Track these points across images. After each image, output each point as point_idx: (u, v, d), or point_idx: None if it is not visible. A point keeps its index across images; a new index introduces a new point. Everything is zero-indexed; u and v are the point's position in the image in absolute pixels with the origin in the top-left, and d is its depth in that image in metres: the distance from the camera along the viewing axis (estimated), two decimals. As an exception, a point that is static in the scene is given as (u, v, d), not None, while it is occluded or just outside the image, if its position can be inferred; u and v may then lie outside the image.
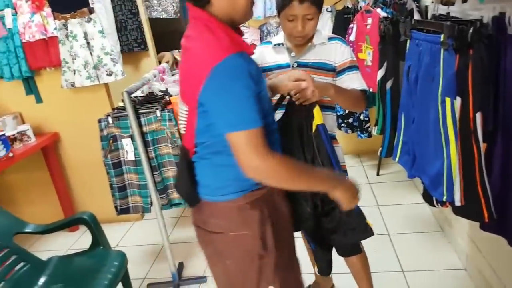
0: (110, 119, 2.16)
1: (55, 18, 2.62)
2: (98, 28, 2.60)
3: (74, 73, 2.67)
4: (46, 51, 2.72)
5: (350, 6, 3.07)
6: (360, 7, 2.85)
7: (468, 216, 1.48)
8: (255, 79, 1.02)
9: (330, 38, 1.50)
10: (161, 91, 2.36)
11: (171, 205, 2.25)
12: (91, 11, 2.59)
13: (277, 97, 1.41)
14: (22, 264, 1.95)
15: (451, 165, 1.39)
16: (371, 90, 2.54)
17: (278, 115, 1.42)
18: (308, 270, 1.94)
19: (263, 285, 1.18)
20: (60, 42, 2.65)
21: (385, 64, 2.30)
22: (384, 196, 2.99)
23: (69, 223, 2.18)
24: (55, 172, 3.02)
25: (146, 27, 3.25)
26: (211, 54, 0.99)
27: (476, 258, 1.99)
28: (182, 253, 2.63)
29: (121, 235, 3.00)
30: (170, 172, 2.18)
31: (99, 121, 2.18)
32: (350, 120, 3.30)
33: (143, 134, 2.11)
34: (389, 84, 2.28)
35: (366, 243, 1.65)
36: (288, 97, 1.36)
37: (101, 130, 2.18)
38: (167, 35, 3.21)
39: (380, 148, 2.34)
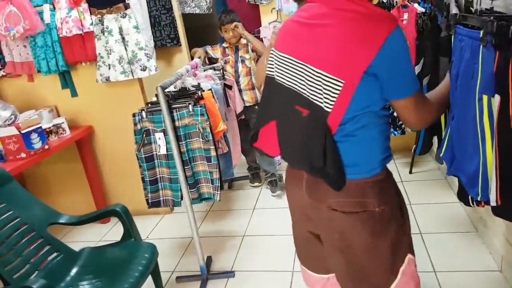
0: (144, 114, 2.19)
1: (91, 14, 2.68)
2: (133, 23, 2.64)
3: (109, 68, 2.72)
4: (82, 46, 2.78)
5: (385, 1, 3.00)
6: (396, 2, 2.78)
7: (506, 216, 1.43)
8: None
9: None
10: (193, 86, 2.38)
11: (201, 200, 2.27)
12: (127, 6, 2.63)
13: None
14: (55, 254, 2.01)
15: (486, 164, 1.34)
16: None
17: None
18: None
19: (408, 252, 1.22)
20: (96, 37, 2.71)
21: (422, 60, 2.24)
22: (417, 194, 2.91)
23: (102, 215, 2.22)
24: (88, 164, 3.11)
25: (179, 23, 3.28)
26: (380, 25, 1.01)
27: (514, 261, 1.92)
28: (210, 247, 2.66)
29: (151, 228, 3.06)
30: (201, 166, 2.20)
31: (134, 115, 2.22)
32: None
33: (175, 129, 2.14)
34: (426, 80, 2.22)
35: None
36: None
37: (135, 124, 2.22)
38: (199, 30, 3.24)
39: (414, 146, 2.28)
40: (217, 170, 2.16)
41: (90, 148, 3.11)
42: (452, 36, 1.63)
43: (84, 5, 2.70)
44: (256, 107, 3.05)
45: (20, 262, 1.86)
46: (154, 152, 2.26)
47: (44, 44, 2.80)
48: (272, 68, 1.21)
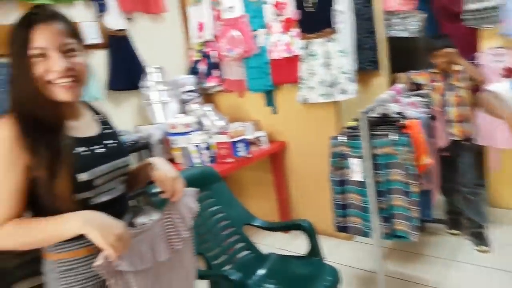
0: (343, 137, 2.18)
1: (301, 38, 2.85)
2: (339, 47, 2.69)
3: (310, 90, 2.84)
4: (288, 68, 2.98)
5: None
6: None
7: None
8: None
9: None
10: (396, 112, 2.25)
11: (393, 236, 2.11)
12: (335, 31, 2.70)
13: None
14: (246, 252, 2.18)
15: None
16: None
17: None
18: None
19: None
20: (302, 60, 2.86)
21: None
22: None
23: (290, 227, 2.40)
24: (278, 176, 3.31)
25: (381, 46, 3.20)
26: None
27: None
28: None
29: (327, 249, 3.01)
30: (399, 200, 2.05)
31: (332, 138, 2.23)
32: None
33: (374, 156, 2.06)
34: None
35: None
36: None
37: (333, 147, 2.23)
38: (403, 54, 3.09)
39: None
40: (417, 207, 1.98)
41: (282, 162, 3.31)
42: None
43: (295, 30, 2.89)
44: (467, 143, 2.72)
45: (219, 252, 2.07)
46: (348, 177, 2.22)
47: (256, 65, 3.11)
48: None
